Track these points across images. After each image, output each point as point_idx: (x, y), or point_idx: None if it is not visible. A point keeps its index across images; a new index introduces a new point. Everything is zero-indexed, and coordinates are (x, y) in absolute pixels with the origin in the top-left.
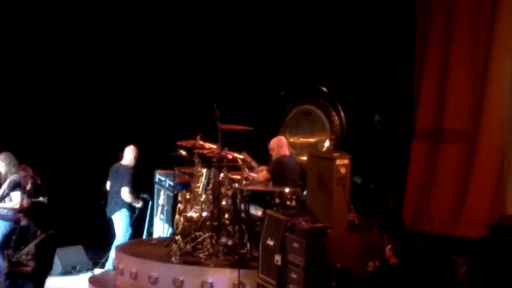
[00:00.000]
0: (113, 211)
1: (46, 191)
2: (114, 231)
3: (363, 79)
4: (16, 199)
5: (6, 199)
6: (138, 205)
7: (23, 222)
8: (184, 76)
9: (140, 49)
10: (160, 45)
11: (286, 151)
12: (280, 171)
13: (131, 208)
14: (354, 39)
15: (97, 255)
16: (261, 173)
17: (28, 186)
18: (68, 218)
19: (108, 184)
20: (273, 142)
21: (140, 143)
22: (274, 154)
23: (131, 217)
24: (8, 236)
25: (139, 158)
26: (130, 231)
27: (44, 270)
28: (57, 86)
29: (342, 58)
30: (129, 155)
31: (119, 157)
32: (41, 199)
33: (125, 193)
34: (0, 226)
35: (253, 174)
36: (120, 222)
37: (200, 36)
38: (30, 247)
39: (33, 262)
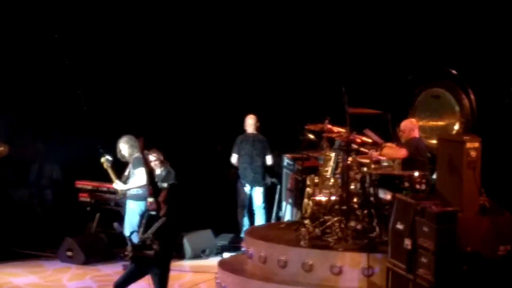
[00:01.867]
0: (260, 183)
1: (176, 176)
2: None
3: (493, 60)
4: (140, 176)
5: (132, 179)
6: (273, 179)
7: (153, 206)
8: (313, 59)
9: (269, 34)
10: (289, 30)
11: (416, 133)
12: (414, 152)
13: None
14: (484, 19)
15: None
16: (399, 150)
17: (158, 171)
18: (199, 202)
19: (235, 157)
20: (404, 124)
21: (268, 127)
22: (405, 136)
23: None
24: (143, 216)
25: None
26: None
27: (166, 253)
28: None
29: (471, 39)
30: (253, 124)
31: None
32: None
33: (271, 159)
34: (134, 207)
35: (388, 151)
36: (262, 195)
37: (330, 19)
38: (153, 230)
39: (156, 246)
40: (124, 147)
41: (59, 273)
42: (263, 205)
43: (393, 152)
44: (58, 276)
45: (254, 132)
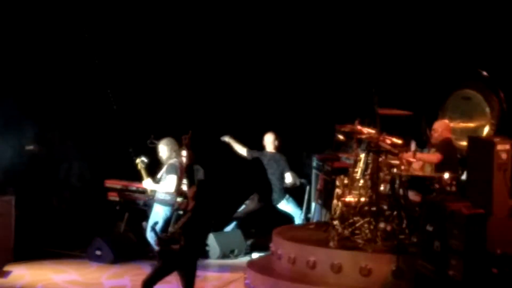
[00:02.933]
0: (280, 199)
1: (204, 174)
2: (289, 215)
3: None
4: (170, 182)
5: (163, 182)
6: (302, 180)
7: (182, 206)
8: (343, 60)
9: (300, 34)
10: (321, 31)
11: (449, 134)
12: (449, 153)
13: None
14: None
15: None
16: (433, 155)
17: None
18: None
19: (244, 151)
20: (438, 124)
21: (297, 128)
22: (437, 136)
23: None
24: (168, 221)
25: (293, 143)
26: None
27: (192, 249)
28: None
29: (503, 41)
30: (271, 142)
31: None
32: None
33: (290, 177)
34: (159, 211)
35: (423, 156)
36: (289, 204)
37: (361, 20)
38: (179, 225)
39: (182, 241)
40: (164, 149)
41: (100, 271)
42: (295, 210)
43: (428, 157)
44: (98, 273)
45: (272, 150)
